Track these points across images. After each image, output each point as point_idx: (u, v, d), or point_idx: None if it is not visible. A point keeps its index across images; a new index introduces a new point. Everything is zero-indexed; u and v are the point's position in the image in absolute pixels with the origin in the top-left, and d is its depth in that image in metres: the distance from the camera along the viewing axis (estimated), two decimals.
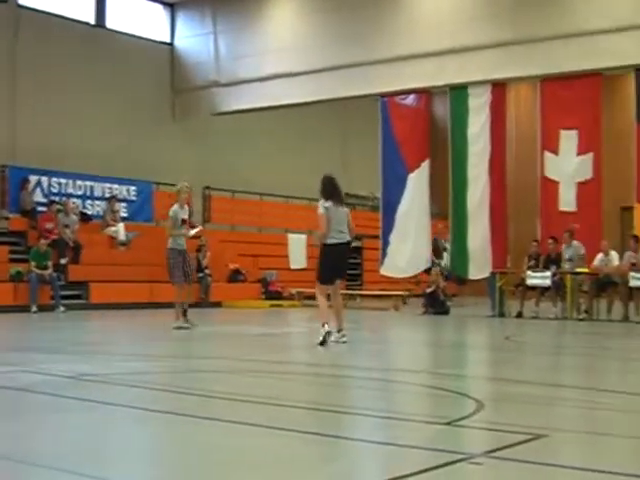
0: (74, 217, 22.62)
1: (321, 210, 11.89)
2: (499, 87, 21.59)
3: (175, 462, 4.83)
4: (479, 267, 21.31)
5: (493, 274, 20.49)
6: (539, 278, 19.37)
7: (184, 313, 14.76)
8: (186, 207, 15.10)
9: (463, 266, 21.80)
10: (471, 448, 5.19)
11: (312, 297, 26.60)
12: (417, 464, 4.63)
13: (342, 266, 12.29)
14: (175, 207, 14.84)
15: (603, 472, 4.53)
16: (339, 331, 11.84)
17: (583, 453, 5.13)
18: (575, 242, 19.30)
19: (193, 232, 15.21)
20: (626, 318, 18.16)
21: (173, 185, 26.36)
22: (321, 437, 5.40)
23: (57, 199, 23.09)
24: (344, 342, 11.66)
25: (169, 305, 22.09)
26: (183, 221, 14.78)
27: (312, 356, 10.84)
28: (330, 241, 11.90)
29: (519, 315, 19.50)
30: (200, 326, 14.75)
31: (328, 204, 11.91)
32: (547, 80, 20.96)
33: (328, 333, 11.41)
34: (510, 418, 6.10)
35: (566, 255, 19.39)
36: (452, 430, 5.63)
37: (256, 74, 25.12)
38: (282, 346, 13.03)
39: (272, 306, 24.24)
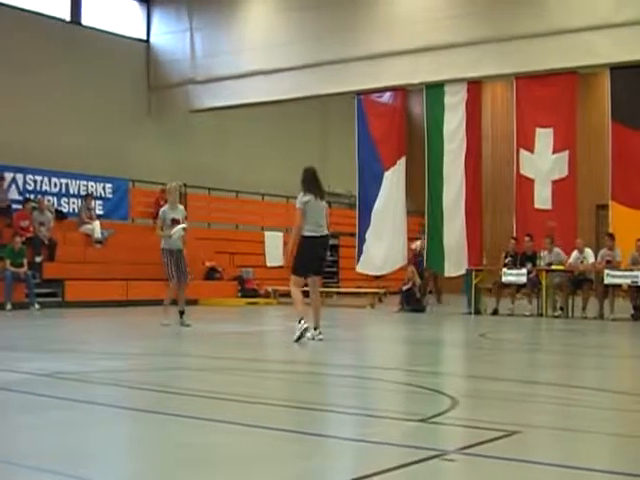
0: (49, 214, 22.47)
1: (298, 204, 11.79)
2: (475, 85, 21.66)
3: (151, 459, 4.81)
4: (455, 264, 21.40)
5: (469, 271, 20.56)
6: (515, 275, 19.44)
7: (180, 314, 14.67)
8: (180, 207, 14.95)
9: (439, 263, 21.86)
10: (445, 445, 5.18)
11: (288, 295, 26.69)
12: (391, 461, 4.63)
13: (319, 260, 12.13)
14: (165, 207, 14.85)
15: (577, 468, 4.55)
16: (315, 328, 11.81)
17: (557, 450, 5.15)
18: (556, 249, 19.39)
19: (172, 232, 14.69)
20: (601, 315, 18.27)
21: (150, 183, 26.57)
22: (294, 434, 5.39)
23: (32, 196, 22.93)
24: (320, 339, 11.64)
25: (145, 303, 22.21)
26: (174, 221, 14.53)
27: (287, 354, 10.84)
28: (308, 234, 11.77)
29: (495, 312, 19.58)
30: (194, 327, 14.43)
31: (308, 197, 11.80)
32: (522, 78, 21.05)
33: (305, 329, 11.39)
34: (484, 415, 6.12)
35: (545, 260, 19.46)
36: (426, 427, 5.63)
37: (233, 71, 25.08)
38: (257, 344, 13.02)
39: (248, 304, 24.20)
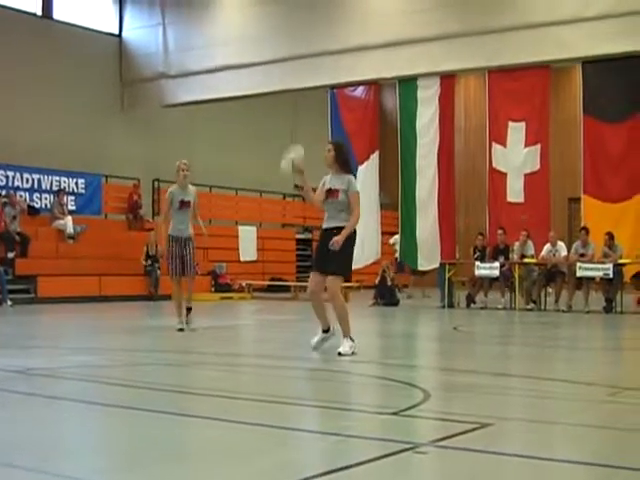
0: (18, 208, 22.33)
1: (358, 187, 9.96)
2: (448, 79, 21.67)
3: (122, 454, 4.80)
4: (428, 258, 21.42)
5: (442, 265, 20.61)
6: (487, 269, 19.52)
7: (186, 312, 12.78)
8: (190, 187, 12.86)
9: (412, 257, 21.88)
10: (417, 438, 5.20)
11: (260, 289, 26.77)
12: (363, 454, 4.64)
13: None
14: (172, 187, 12.86)
15: (548, 460, 4.58)
16: (327, 331, 10.10)
17: (528, 441, 5.17)
18: (530, 242, 19.49)
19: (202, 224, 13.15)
20: (570, 308, 18.36)
21: (123, 178, 26.45)
22: (266, 428, 5.38)
23: (3, 192, 22.77)
24: (339, 354, 9.45)
25: (118, 298, 22.14)
26: (184, 203, 12.63)
27: (260, 348, 10.83)
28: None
29: (468, 305, 19.66)
30: (199, 330, 12.74)
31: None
32: (495, 72, 21.07)
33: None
34: (456, 407, 6.15)
35: (518, 252, 19.56)
36: (398, 420, 5.64)
37: (205, 66, 24.98)
38: (233, 338, 12.99)
39: (222, 299, 24.17)
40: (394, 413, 5.78)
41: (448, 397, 6.82)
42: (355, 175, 22.48)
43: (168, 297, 22.85)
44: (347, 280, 9.90)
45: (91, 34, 27.42)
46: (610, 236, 18.46)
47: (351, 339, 9.47)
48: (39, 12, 26.30)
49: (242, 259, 28.37)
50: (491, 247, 20.04)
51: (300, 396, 6.88)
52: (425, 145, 21.51)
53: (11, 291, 20.21)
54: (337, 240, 9.24)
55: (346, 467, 4.32)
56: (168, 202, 12.77)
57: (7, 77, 24.65)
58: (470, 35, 20.67)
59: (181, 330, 12.43)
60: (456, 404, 6.36)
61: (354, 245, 9.58)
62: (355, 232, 9.57)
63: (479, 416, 5.61)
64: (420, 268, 22.30)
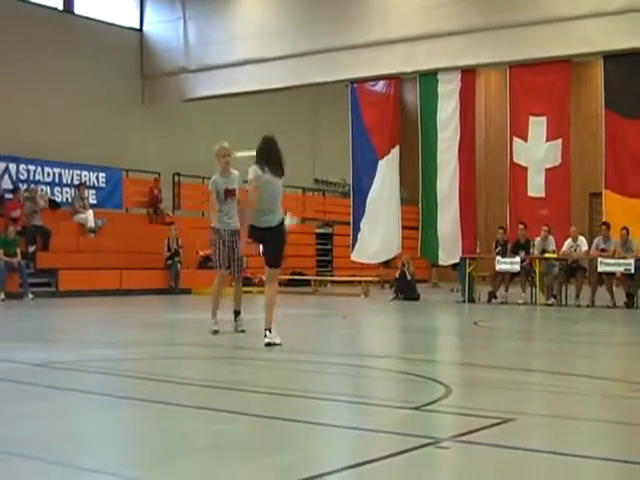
0: (41, 203, 22.42)
1: (252, 174, 9.71)
2: (468, 73, 21.62)
3: (144, 448, 4.81)
4: (449, 253, 21.41)
5: (463, 260, 20.55)
6: (508, 264, 19.45)
7: (235, 314, 11.78)
8: (233, 173, 11.53)
9: (433, 252, 21.87)
10: (439, 432, 5.20)
11: (280, 283, 26.71)
12: (385, 448, 4.63)
13: (269, 249, 10.08)
14: (215, 176, 11.58)
15: (569, 455, 4.57)
16: (268, 330, 9.69)
17: (550, 437, 5.16)
18: (551, 237, 19.40)
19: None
20: (592, 303, 18.28)
21: (143, 172, 26.52)
22: (288, 422, 5.39)
23: (25, 186, 22.88)
24: (268, 344, 9.52)
25: (139, 292, 22.20)
26: (229, 192, 11.43)
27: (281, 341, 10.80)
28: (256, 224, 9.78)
29: (489, 300, 19.60)
30: (247, 333, 11.57)
31: (261, 172, 9.76)
32: (516, 66, 21.01)
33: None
34: (478, 402, 6.13)
35: (539, 247, 19.48)
36: (420, 414, 5.64)
37: (225, 60, 25.00)
38: (250, 332, 12.96)
39: (243, 292, 24.16)
40: (415, 408, 5.77)
41: (469, 392, 6.80)
42: (375, 169, 22.67)
43: (188, 291, 23.01)
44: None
45: (112, 28, 27.49)
46: (626, 231, 18.40)
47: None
48: (60, 7, 26.39)
49: (262, 253, 28.33)
50: (512, 242, 19.96)
51: (321, 390, 6.87)
52: (446, 140, 21.48)
53: (32, 284, 20.31)
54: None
55: (368, 462, 4.32)
56: (214, 193, 11.42)
57: (29, 72, 24.74)
58: (491, 29, 20.61)
59: (216, 332, 11.18)
60: (478, 399, 6.35)
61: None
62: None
63: (501, 411, 5.60)
64: (441, 263, 22.33)
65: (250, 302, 19.41)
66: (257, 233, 9.84)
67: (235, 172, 11.59)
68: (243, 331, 11.50)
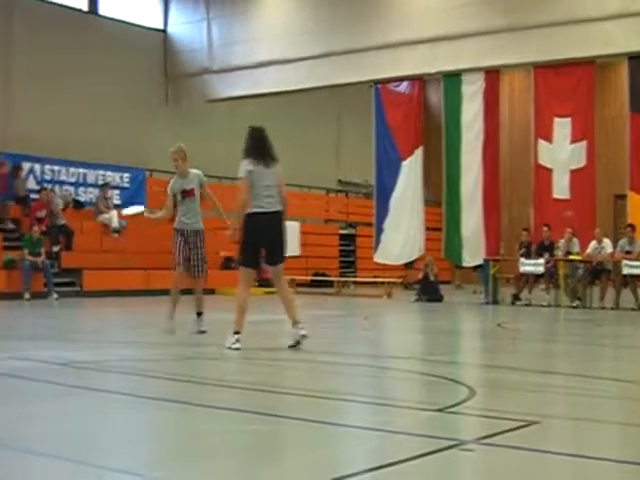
0: (60, 203, 22.56)
1: (242, 172, 9.58)
2: (493, 74, 21.54)
3: (165, 448, 4.82)
4: (473, 254, 21.34)
5: (486, 261, 20.48)
6: (532, 265, 19.35)
7: (197, 315, 11.66)
8: (192, 172, 11.62)
9: (457, 253, 21.81)
10: (463, 435, 5.17)
11: (303, 284, 26.79)
12: (408, 450, 4.61)
13: (274, 242, 9.69)
14: (173, 179, 11.80)
15: (594, 458, 4.53)
16: (295, 324, 9.57)
17: (574, 440, 5.13)
18: (575, 239, 19.30)
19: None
20: (617, 305, 18.15)
21: (167, 172, 26.48)
22: (311, 423, 5.39)
23: (49, 187, 23.00)
24: (304, 336, 9.44)
25: (165, 292, 22.14)
26: (186, 193, 11.42)
27: (303, 343, 10.78)
28: (254, 209, 9.50)
29: (513, 302, 19.50)
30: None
31: (252, 166, 9.59)
32: (541, 67, 20.92)
33: (238, 343, 9.24)
34: (502, 405, 6.10)
35: (563, 249, 19.38)
36: (443, 416, 5.62)
37: (249, 61, 25.03)
38: (274, 333, 12.97)
39: (266, 293, 24.19)
40: (439, 410, 5.75)
41: (493, 394, 6.77)
42: (399, 170, 22.66)
43: (212, 291, 23.02)
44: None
45: (136, 30, 27.57)
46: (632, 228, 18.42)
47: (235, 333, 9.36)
48: (85, 7, 26.50)
49: (285, 254, 28.35)
50: (536, 243, 19.87)
51: (345, 391, 6.85)
52: (470, 141, 21.41)
53: (57, 284, 20.39)
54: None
55: (391, 464, 4.30)
56: (170, 196, 11.59)
57: (54, 72, 24.80)
58: (515, 30, 20.52)
59: (171, 332, 11.04)
60: (501, 401, 6.32)
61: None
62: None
63: (525, 414, 5.57)
64: (464, 264, 22.27)
65: (271, 303, 19.43)
66: (260, 223, 9.46)
67: (194, 172, 11.64)
68: (203, 332, 11.31)
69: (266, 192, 9.54)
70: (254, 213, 9.44)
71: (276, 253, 9.69)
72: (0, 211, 21.87)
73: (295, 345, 9.38)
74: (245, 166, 9.59)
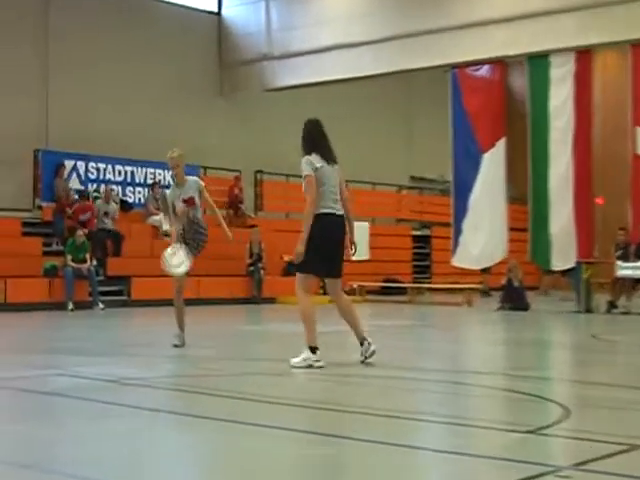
0: (114, 205, 22.70)
1: (308, 169, 9.35)
2: (584, 55, 21.24)
3: (224, 471, 4.78)
4: (563, 256, 21.04)
5: (578, 264, 20.22)
6: (630, 269, 19.07)
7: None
8: (190, 180, 12.00)
9: (544, 256, 21.53)
10: (557, 459, 5.07)
11: (373, 291, 26.73)
12: (495, 478, 4.52)
13: (339, 251, 9.47)
14: (170, 188, 12.25)
15: None
16: (362, 343, 9.39)
17: None
18: None
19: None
20: None
21: (223, 169, 26.71)
22: (382, 445, 5.31)
23: (95, 186, 23.20)
24: (373, 353, 9.28)
25: (218, 302, 22.32)
26: (187, 202, 11.72)
27: (374, 357, 10.70)
28: (324, 210, 9.29)
29: (609, 310, 19.23)
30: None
31: (319, 162, 9.42)
32: (638, 46, 20.59)
33: (317, 361, 8.96)
34: (600, 426, 5.99)
35: None
36: (534, 439, 5.52)
37: (311, 46, 25.04)
38: (342, 346, 12.89)
39: (331, 301, 24.16)
40: (530, 432, 5.63)
41: (590, 414, 6.64)
42: (479, 164, 22.46)
43: (272, 300, 23.05)
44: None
45: (188, 13, 27.65)
46: None
47: (311, 350, 9.04)
48: None
49: (353, 258, 28.30)
50: (635, 244, 19.58)
51: (421, 410, 6.78)
52: (558, 130, 21.15)
53: (103, 293, 20.54)
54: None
55: None
56: (165, 205, 12.12)
57: (97, 60, 24.84)
58: (609, 5, 20.24)
59: (176, 346, 11.24)
60: (600, 422, 6.20)
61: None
62: None
63: (627, 436, 5.46)
64: (554, 268, 21.99)
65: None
66: (331, 225, 9.32)
67: (191, 179, 11.99)
68: (177, 345, 11.27)
69: (333, 193, 9.40)
70: (324, 214, 9.25)
71: (340, 263, 9.54)
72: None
73: (364, 361, 9.27)
74: (313, 162, 9.36)
